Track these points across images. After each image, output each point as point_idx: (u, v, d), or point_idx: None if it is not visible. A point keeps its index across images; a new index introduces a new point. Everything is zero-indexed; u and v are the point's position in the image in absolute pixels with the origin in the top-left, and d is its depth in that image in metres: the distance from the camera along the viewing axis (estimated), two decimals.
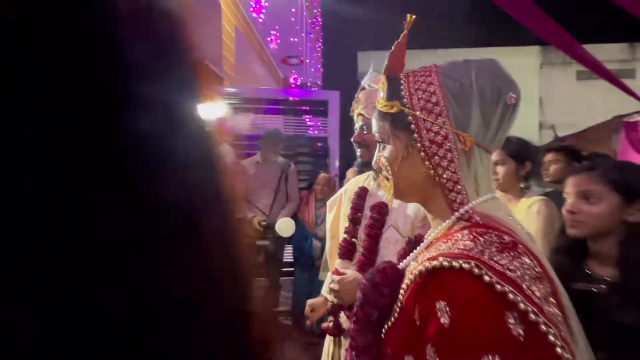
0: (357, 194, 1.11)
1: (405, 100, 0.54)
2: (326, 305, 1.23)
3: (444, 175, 0.51)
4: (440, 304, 0.44)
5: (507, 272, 0.42)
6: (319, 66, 5.31)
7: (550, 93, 15.07)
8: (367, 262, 0.97)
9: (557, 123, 9.25)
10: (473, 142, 0.51)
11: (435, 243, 0.54)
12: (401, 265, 0.58)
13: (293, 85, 4.29)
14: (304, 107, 3.39)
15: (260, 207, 2.66)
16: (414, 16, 0.56)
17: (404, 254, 0.77)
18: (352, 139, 1.08)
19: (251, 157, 2.78)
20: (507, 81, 0.53)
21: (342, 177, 3.13)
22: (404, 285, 0.53)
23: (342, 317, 1.01)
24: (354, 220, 1.07)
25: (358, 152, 1.06)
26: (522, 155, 1.43)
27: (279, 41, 3.76)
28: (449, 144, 0.51)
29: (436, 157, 0.51)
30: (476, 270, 0.42)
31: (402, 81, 0.56)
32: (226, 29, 3.90)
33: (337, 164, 3.25)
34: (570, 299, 0.50)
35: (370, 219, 0.99)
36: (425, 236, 0.61)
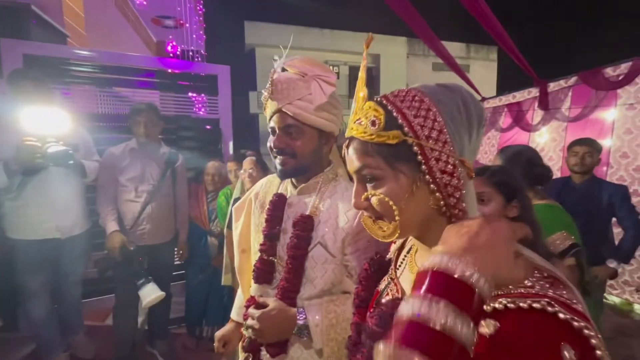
0: (273, 203, 0.92)
1: (406, 129, 0.47)
2: (239, 332, 1.04)
3: (457, 206, 0.47)
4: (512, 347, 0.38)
5: (574, 304, 0.39)
6: (201, 32, 4.61)
7: (414, 80, 17.71)
8: (291, 287, 0.82)
9: None
10: (473, 168, 0.49)
11: None
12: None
13: (172, 55, 3.60)
14: (187, 83, 2.86)
15: (135, 210, 2.09)
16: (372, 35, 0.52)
17: (367, 277, 0.64)
18: (270, 144, 0.86)
19: (124, 144, 2.15)
20: (482, 107, 0.51)
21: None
22: None
23: (265, 356, 0.84)
24: (271, 236, 0.90)
25: (279, 159, 0.86)
26: None
27: None
28: (457, 173, 0.47)
29: (449, 188, 0.47)
30: (549, 308, 0.38)
31: (389, 107, 0.48)
32: None
33: (230, 150, 2.91)
34: None
35: (295, 237, 0.83)
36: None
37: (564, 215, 1.39)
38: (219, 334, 1.06)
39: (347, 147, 0.52)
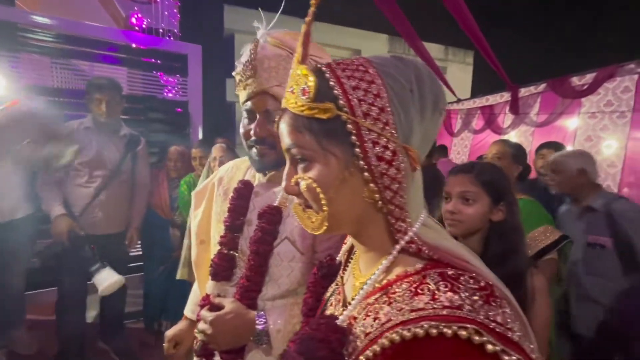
0: (238, 191, 0.82)
1: (341, 102, 0.39)
2: (193, 330, 0.94)
3: (393, 201, 0.40)
4: None
5: (509, 332, 0.33)
6: (175, 10, 4.31)
7: None
8: (253, 287, 0.74)
9: None
10: (419, 159, 0.41)
11: (383, 287, 0.41)
12: (340, 321, 0.42)
13: (137, 28, 3.33)
14: (154, 60, 2.64)
15: (87, 196, 1.89)
16: None
17: (315, 283, 0.57)
18: (244, 131, 0.75)
19: (77, 121, 1.93)
20: (441, 89, 0.43)
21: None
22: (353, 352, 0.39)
23: None
24: (233, 228, 0.81)
25: (256, 149, 0.74)
26: None
27: None
28: (397, 162, 0.40)
29: (385, 179, 0.40)
30: (476, 337, 0.32)
31: (327, 75, 0.40)
32: None
33: (200, 135, 2.74)
34: None
35: (260, 230, 0.74)
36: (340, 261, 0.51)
37: (544, 211, 1.41)
38: (169, 333, 0.95)
39: (279, 120, 0.44)
